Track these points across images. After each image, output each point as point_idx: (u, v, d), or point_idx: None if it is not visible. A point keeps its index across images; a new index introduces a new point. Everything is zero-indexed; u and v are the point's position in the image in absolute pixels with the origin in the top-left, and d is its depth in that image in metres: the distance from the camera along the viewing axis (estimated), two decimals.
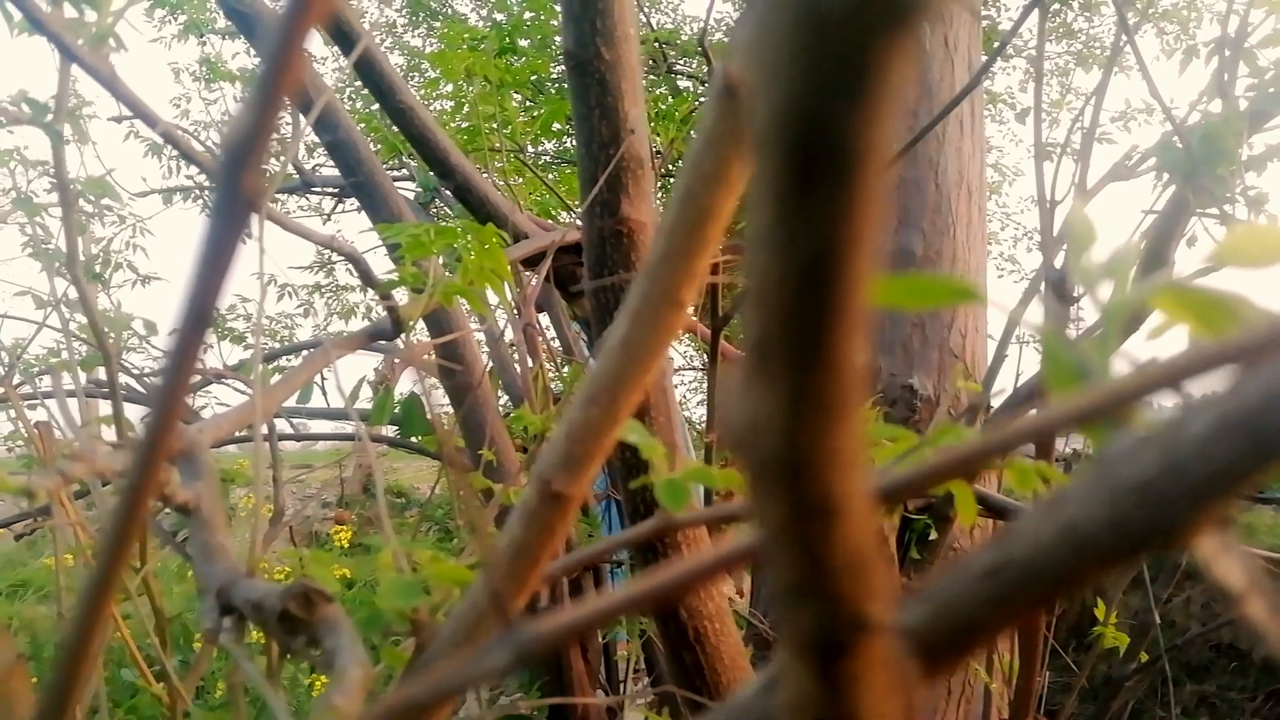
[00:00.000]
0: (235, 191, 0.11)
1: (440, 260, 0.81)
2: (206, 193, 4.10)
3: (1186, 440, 0.12)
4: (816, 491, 0.10)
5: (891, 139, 0.08)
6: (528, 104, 4.01)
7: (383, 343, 0.93)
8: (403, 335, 0.82)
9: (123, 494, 0.17)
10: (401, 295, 0.92)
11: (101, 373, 1.83)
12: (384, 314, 0.89)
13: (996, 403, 1.60)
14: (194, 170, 4.24)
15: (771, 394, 0.10)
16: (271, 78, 0.11)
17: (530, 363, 1.45)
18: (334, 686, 0.24)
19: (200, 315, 0.13)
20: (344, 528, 3.54)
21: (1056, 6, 5.12)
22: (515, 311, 1.31)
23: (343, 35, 1.36)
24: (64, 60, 0.54)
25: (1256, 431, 0.11)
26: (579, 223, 1.03)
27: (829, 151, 0.08)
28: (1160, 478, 0.12)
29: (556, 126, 3.75)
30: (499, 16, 4.70)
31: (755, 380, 0.10)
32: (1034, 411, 0.13)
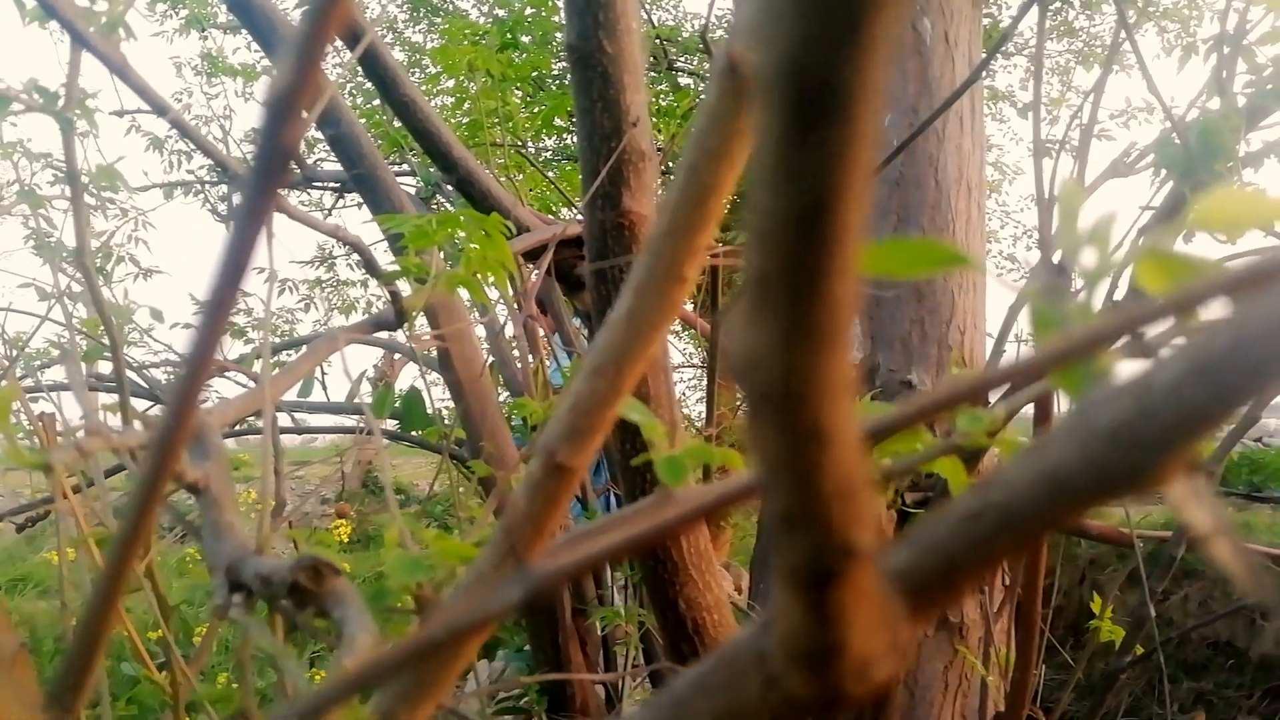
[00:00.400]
0: (277, 141, 0.12)
1: (441, 254, 0.82)
2: (208, 187, 4.11)
3: (1158, 386, 0.13)
4: (810, 419, 0.11)
5: (883, 85, 0.08)
6: (528, 99, 4.01)
7: (383, 335, 0.94)
8: (405, 325, 0.82)
9: (148, 459, 0.17)
10: (405, 286, 0.93)
11: (102, 366, 1.84)
12: (386, 305, 0.90)
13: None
14: (195, 165, 4.24)
15: (770, 327, 0.10)
16: (314, 30, 0.12)
17: (530, 357, 1.46)
18: (345, 651, 0.25)
19: (238, 266, 0.13)
20: (344, 522, 3.55)
21: (1057, 5, 5.12)
22: (516, 305, 1.32)
23: (345, 29, 1.36)
24: (75, 47, 0.55)
25: (1222, 378, 0.12)
26: (580, 216, 1.03)
27: (826, 95, 0.08)
28: (1133, 422, 0.13)
29: (558, 122, 3.75)
30: (500, 13, 4.70)
31: (755, 314, 0.10)
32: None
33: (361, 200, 1.69)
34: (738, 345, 0.11)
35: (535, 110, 3.69)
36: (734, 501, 0.17)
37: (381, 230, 1.19)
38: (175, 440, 0.17)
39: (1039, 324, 0.16)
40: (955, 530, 0.14)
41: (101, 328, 1.59)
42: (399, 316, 0.79)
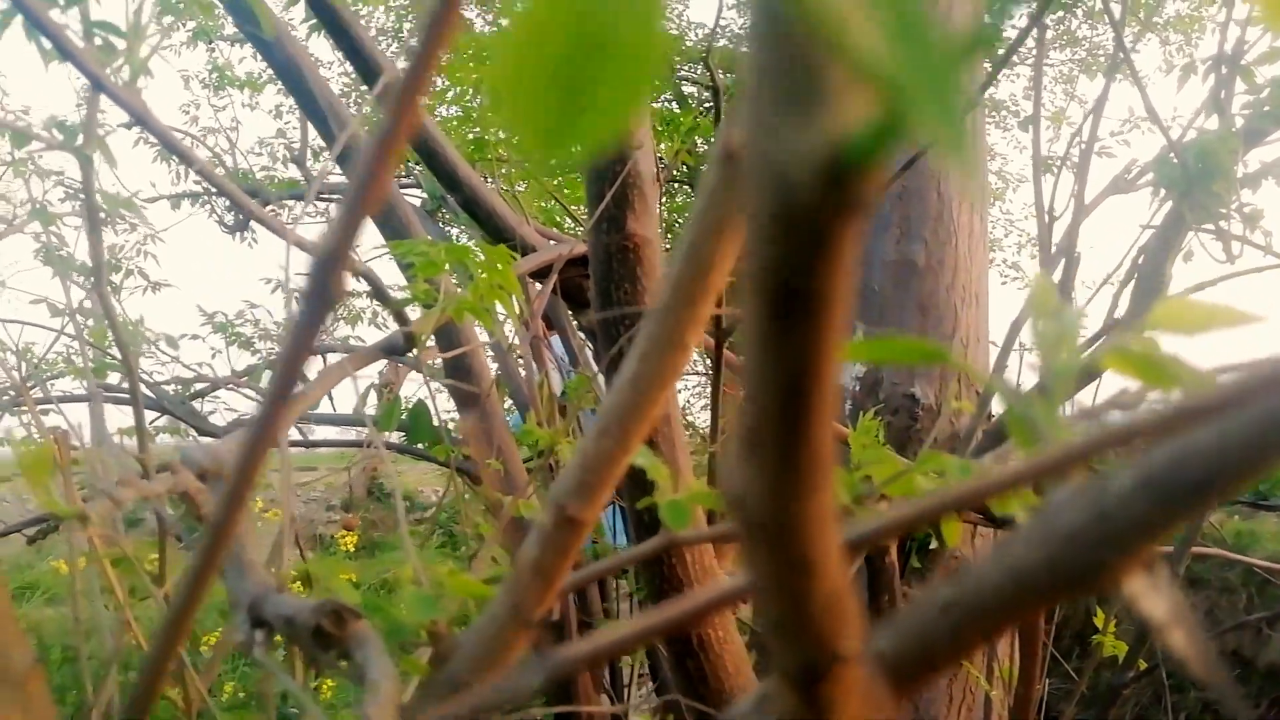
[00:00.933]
0: (325, 292, 0.14)
1: (451, 276, 0.84)
2: (214, 198, 4.13)
3: (1111, 494, 0.14)
4: (796, 550, 0.12)
5: (850, 288, 0.10)
6: None
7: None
8: (414, 349, 0.84)
9: (204, 539, 0.19)
10: (413, 309, 0.94)
11: (111, 377, 1.86)
12: (395, 326, 0.91)
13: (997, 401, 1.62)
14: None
15: (759, 473, 0.12)
16: (357, 202, 0.13)
17: (536, 371, 1.47)
18: (368, 699, 0.26)
19: (286, 386, 0.15)
20: (350, 534, 3.56)
21: (1060, 14, 5.13)
22: (523, 324, 1.34)
23: (346, 39, 1.38)
24: (94, 90, 0.57)
25: (1165, 489, 0.14)
26: (586, 234, 1.05)
27: (798, 300, 0.10)
28: (1089, 526, 0.14)
29: None
30: (505, 22, 4.73)
31: (745, 459, 0.12)
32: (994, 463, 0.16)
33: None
34: (731, 482, 0.12)
35: None
36: (746, 595, 0.18)
37: (394, 259, 1.21)
38: (229, 530, 0.18)
39: (1013, 426, 0.18)
40: (930, 620, 0.16)
41: (107, 341, 1.61)
42: (408, 342, 0.80)
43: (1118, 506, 0.14)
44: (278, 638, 0.42)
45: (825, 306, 0.10)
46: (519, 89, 0.08)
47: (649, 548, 0.34)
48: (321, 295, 0.14)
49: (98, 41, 0.66)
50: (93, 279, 0.67)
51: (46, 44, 0.63)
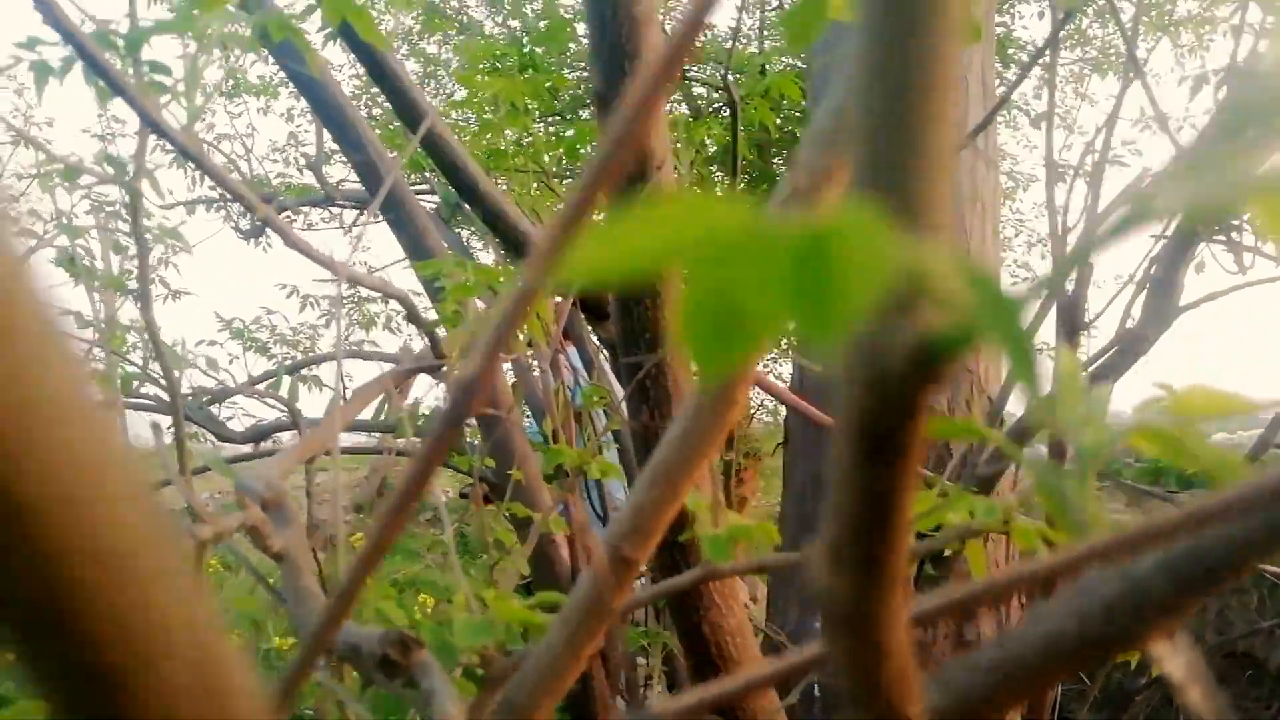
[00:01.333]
0: (460, 413, 0.16)
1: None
2: (230, 204, 4.17)
3: (1137, 573, 0.16)
4: (872, 637, 0.15)
5: (924, 438, 0.12)
6: (549, 119, 4.06)
7: (392, 354, 0.98)
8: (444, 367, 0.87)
9: (330, 606, 0.21)
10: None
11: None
12: (407, 331, 0.93)
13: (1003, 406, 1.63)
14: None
15: (842, 577, 0.14)
16: (496, 346, 0.15)
17: (553, 382, 1.49)
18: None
19: (421, 481, 0.17)
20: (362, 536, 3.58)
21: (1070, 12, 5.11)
22: (546, 340, 1.36)
23: (358, 44, 1.40)
24: (145, 128, 0.59)
25: (1179, 571, 0.16)
26: None
27: (883, 447, 0.12)
28: (1118, 599, 0.17)
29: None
30: (514, 24, 4.74)
31: (831, 566, 0.14)
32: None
33: (384, 219, 1.74)
34: (818, 585, 0.14)
35: (549, 120, 3.73)
36: (796, 675, 0.20)
37: (417, 276, 1.24)
38: (353, 597, 0.21)
39: (1046, 498, 0.20)
40: (977, 680, 0.18)
41: (125, 348, 1.65)
42: (439, 359, 0.83)
43: (1142, 585, 0.16)
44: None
45: (904, 453, 0.12)
46: (685, 326, 0.10)
47: (689, 579, 0.36)
48: (456, 416, 0.16)
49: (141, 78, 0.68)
50: (139, 302, 0.70)
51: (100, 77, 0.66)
